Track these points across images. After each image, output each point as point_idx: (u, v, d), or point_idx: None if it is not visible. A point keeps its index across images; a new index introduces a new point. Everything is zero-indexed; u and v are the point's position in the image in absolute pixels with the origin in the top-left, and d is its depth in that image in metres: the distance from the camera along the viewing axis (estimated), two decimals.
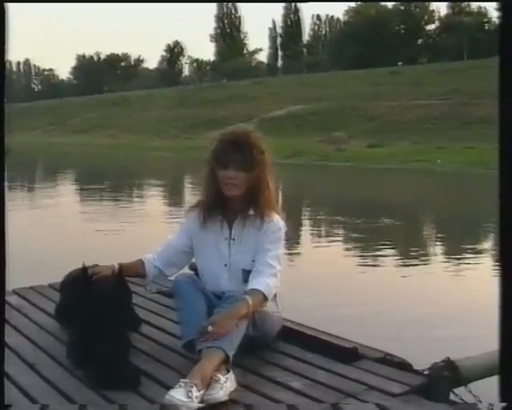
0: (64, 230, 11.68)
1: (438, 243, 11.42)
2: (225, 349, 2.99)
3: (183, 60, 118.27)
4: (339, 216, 13.81)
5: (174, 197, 19.09)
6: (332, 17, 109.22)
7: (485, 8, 79.96)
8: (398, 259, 9.44)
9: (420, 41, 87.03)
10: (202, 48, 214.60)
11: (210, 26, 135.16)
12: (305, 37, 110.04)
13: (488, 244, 10.83)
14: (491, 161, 24.29)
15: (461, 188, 20.07)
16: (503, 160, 2.02)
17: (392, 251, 10.03)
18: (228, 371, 2.95)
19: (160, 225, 11.97)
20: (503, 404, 2.15)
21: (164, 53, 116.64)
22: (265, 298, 3.26)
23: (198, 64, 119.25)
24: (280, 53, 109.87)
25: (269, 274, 3.31)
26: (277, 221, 3.43)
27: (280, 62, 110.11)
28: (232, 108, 53.52)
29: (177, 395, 2.69)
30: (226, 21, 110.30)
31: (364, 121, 41.39)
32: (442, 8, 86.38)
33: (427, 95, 44.97)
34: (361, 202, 16.45)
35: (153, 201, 17.59)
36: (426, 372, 3.14)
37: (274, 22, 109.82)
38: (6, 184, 2.52)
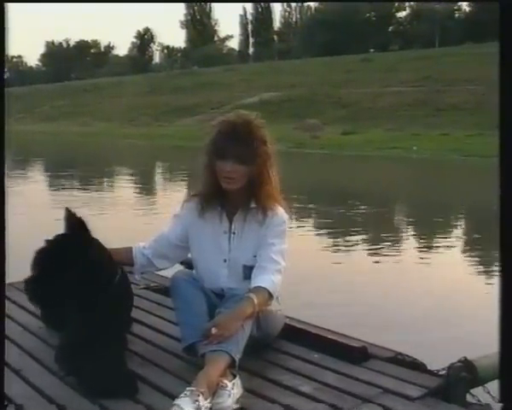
0: (34, 219, 11.30)
1: (409, 229, 11.39)
2: (231, 353, 2.77)
3: (154, 47, 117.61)
4: (312, 204, 13.66)
5: (149, 185, 18.79)
6: (302, 4, 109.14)
7: None
8: (367, 246, 9.36)
9: (391, 28, 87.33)
10: (173, 35, 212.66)
11: (180, 12, 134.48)
12: (276, 23, 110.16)
13: (459, 232, 10.97)
14: (465, 148, 24.49)
15: (437, 175, 20.01)
16: (504, 157, 1.86)
17: (361, 237, 9.93)
18: (234, 376, 2.73)
19: (132, 212, 11.73)
20: (503, 405, 2.02)
21: (134, 40, 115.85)
22: (271, 296, 3.04)
23: (168, 51, 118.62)
24: (251, 40, 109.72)
25: (273, 270, 3.07)
26: (281, 214, 3.19)
27: (251, 49, 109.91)
28: (204, 95, 53.19)
29: (184, 404, 2.45)
30: (196, 8, 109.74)
31: (338, 108, 41.31)
32: None
33: (400, 82, 45.02)
34: (336, 190, 16.31)
35: (127, 188, 17.25)
36: (441, 373, 2.97)
37: (245, 9, 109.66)
38: None
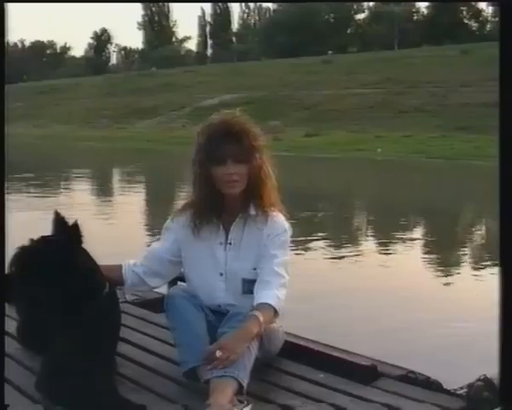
0: None
1: (369, 233, 11.35)
2: (239, 378, 2.52)
3: (111, 48, 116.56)
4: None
5: (108, 189, 18.37)
6: (261, 5, 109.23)
7: None
8: (326, 248, 9.23)
9: (349, 30, 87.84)
10: (130, 36, 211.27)
11: (138, 13, 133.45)
12: (235, 25, 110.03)
13: (419, 233, 10.92)
14: (430, 150, 24.57)
15: (403, 177, 19.99)
16: (504, 158, 1.86)
17: (320, 242, 9.75)
18: (242, 403, 2.48)
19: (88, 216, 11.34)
20: (503, 405, 1.99)
21: (91, 41, 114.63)
22: (276, 313, 2.78)
23: (126, 52, 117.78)
24: (209, 41, 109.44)
25: (278, 285, 2.82)
26: (282, 222, 2.95)
27: (209, 51, 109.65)
28: (163, 96, 52.68)
29: None
30: (154, 9, 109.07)
31: (299, 110, 41.24)
32: None
33: (361, 84, 45.13)
34: (300, 193, 16.09)
35: (84, 191, 16.80)
36: (460, 392, 2.76)
37: (203, 10, 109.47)
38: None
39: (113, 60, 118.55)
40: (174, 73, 66.38)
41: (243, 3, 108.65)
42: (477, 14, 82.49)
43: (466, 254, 9.46)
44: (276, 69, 57.97)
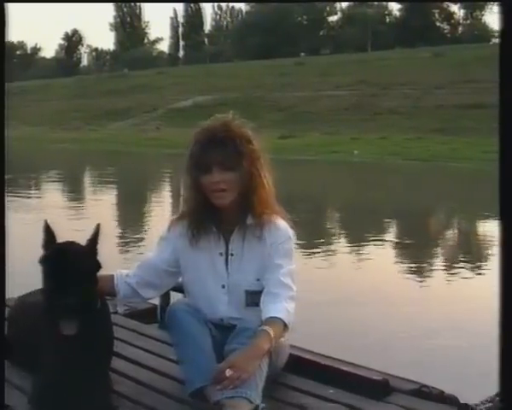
0: None
1: (344, 235, 11.20)
2: (251, 398, 2.36)
3: (82, 49, 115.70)
4: None
5: (81, 191, 18.08)
6: (233, 7, 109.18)
7: None
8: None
9: (322, 32, 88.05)
10: (102, 37, 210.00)
11: (110, 14, 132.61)
12: (207, 27, 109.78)
13: (392, 235, 10.90)
14: (405, 152, 24.59)
15: (381, 179, 19.94)
16: (504, 160, 1.72)
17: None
18: None
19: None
20: (502, 404, 1.86)
21: (62, 41, 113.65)
22: (286, 328, 2.60)
23: (97, 53, 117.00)
24: (181, 43, 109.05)
25: (286, 297, 2.64)
26: (285, 229, 2.77)
27: (181, 52, 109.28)
28: (136, 98, 52.26)
29: None
30: (126, 10, 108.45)
31: (273, 112, 41.13)
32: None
33: (335, 86, 45.15)
34: (277, 195, 15.96)
35: (56, 194, 16.51)
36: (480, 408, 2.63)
37: (175, 11, 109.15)
38: None
39: (85, 61, 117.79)
40: (146, 75, 65.93)
41: (215, 5, 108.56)
42: (449, 16, 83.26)
43: (439, 255, 9.46)
44: (248, 71, 57.85)
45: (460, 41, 67.63)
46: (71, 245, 2.51)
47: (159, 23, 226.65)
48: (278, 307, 2.59)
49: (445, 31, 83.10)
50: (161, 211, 12.72)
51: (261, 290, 2.70)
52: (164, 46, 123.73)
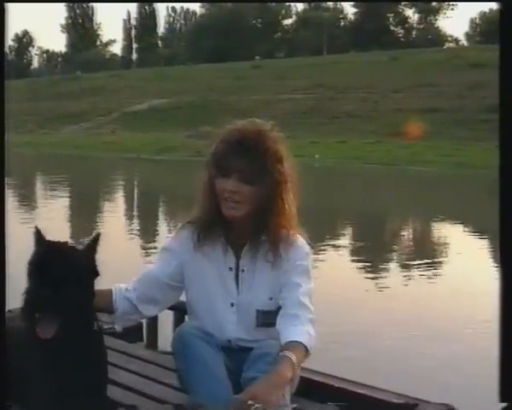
0: None
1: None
2: None
3: (33, 51, 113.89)
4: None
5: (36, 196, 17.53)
6: (188, 9, 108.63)
7: (341, 4, 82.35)
8: None
9: (277, 35, 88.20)
10: (53, 38, 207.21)
11: (61, 15, 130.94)
12: (161, 29, 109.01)
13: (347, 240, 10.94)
14: (366, 156, 24.58)
15: (346, 184, 19.94)
16: (504, 162, 1.79)
17: None
18: None
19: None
20: (504, 404, 1.84)
21: (11, 43, 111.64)
22: (307, 353, 2.36)
23: (48, 55, 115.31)
24: (134, 45, 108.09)
25: (307, 320, 2.41)
26: (302, 245, 2.54)
27: (135, 55, 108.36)
28: (90, 101, 51.50)
29: None
30: (78, 11, 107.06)
31: (230, 116, 39.34)
32: (299, 4, 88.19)
33: (292, 89, 45.08)
34: None
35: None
36: None
37: (129, 13, 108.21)
38: None
39: (35, 63, 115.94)
40: (100, 78, 65.16)
41: (169, 7, 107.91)
42: (403, 21, 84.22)
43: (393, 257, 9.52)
44: (204, 74, 57.54)
45: (414, 45, 68.44)
46: (62, 244, 2.22)
47: (111, 25, 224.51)
48: (299, 330, 2.36)
49: (400, 35, 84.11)
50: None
51: (274, 310, 2.49)
52: (117, 48, 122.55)
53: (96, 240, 2.26)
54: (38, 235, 2.22)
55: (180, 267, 2.58)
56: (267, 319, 2.50)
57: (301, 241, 2.55)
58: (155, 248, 9.49)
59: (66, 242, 2.23)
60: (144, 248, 9.69)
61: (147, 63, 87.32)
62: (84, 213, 14.16)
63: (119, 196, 17.91)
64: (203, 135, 33.34)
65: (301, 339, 2.32)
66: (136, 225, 12.95)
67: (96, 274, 2.26)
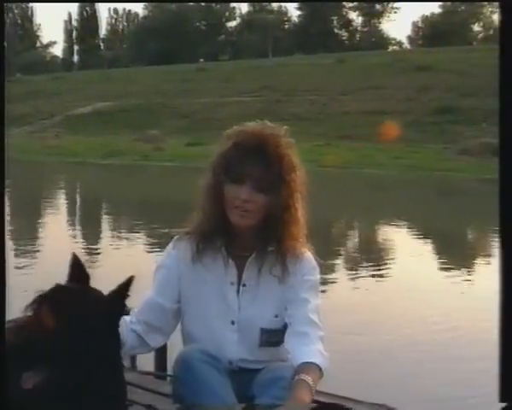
0: None
1: None
2: None
3: None
4: (140, 220, 13.54)
5: None
6: (130, 11, 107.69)
7: (285, 7, 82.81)
8: None
9: (221, 38, 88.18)
10: None
11: None
12: (103, 31, 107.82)
13: None
14: (320, 159, 24.49)
15: (311, 188, 19.82)
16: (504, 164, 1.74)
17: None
18: None
19: None
20: (503, 404, 1.77)
21: None
22: (321, 374, 2.18)
23: None
24: (76, 47, 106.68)
25: (317, 338, 2.27)
26: (310, 259, 2.40)
27: (76, 57, 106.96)
28: (32, 104, 50.45)
29: None
30: (17, 11, 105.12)
31: (177, 119, 40.53)
32: (243, 6, 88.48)
33: (238, 92, 44.95)
34: (174, 204, 15.55)
35: None
36: None
37: (70, 14, 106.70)
38: None
39: None
40: (41, 80, 64.02)
41: (111, 8, 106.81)
42: (347, 24, 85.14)
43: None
44: (148, 76, 57.09)
45: (358, 48, 69.11)
46: (78, 285, 1.97)
47: (52, 26, 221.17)
48: (311, 350, 2.22)
49: (344, 38, 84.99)
50: None
51: (279, 329, 2.34)
52: (57, 50, 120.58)
53: (127, 284, 1.98)
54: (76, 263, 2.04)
55: (178, 285, 2.37)
56: (271, 337, 2.36)
57: (309, 255, 2.40)
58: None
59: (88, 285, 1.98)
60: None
61: (89, 65, 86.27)
62: (24, 221, 13.70)
63: (63, 203, 17.61)
64: (150, 138, 33.02)
65: (315, 360, 2.19)
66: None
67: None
